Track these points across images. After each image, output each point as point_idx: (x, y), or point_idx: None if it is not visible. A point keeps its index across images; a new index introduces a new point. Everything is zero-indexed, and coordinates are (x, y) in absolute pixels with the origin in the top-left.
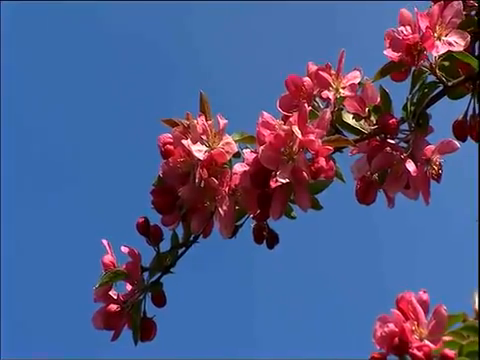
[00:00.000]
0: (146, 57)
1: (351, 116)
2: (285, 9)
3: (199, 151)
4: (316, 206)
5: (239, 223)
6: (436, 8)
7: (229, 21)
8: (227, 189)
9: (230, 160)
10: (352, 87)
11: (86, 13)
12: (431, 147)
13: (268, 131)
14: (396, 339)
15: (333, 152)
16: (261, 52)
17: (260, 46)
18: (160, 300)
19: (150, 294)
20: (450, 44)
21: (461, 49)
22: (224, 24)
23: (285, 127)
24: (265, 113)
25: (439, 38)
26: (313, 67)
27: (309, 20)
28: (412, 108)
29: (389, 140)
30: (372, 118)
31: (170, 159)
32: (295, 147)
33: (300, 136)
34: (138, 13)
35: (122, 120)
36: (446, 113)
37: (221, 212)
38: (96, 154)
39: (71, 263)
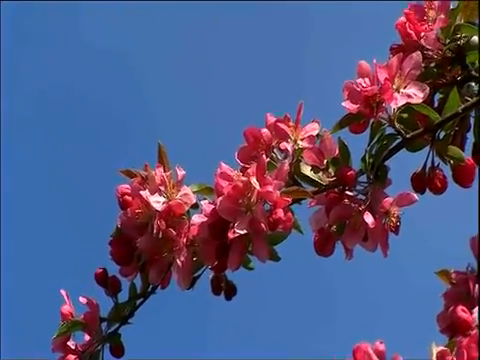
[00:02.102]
0: (102, 109)
1: (309, 168)
2: (243, 60)
3: (157, 202)
4: (274, 257)
5: (197, 274)
6: (395, 60)
7: (187, 72)
8: (185, 240)
9: (188, 211)
10: (310, 139)
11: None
12: (389, 199)
13: (226, 182)
14: None
15: (291, 203)
16: (219, 103)
17: (219, 97)
18: (118, 351)
19: (108, 345)
20: (409, 96)
21: (420, 101)
22: (182, 75)
23: (243, 178)
24: (223, 164)
25: (398, 90)
26: (272, 118)
27: (268, 72)
28: (370, 160)
29: (347, 192)
30: (330, 170)
31: (128, 210)
32: (253, 198)
33: (258, 187)
34: (89, 69)
35: (80, 170)
36: (405, 165)
37: (179, 263)
38: (54, 203)
39: (29, 313)
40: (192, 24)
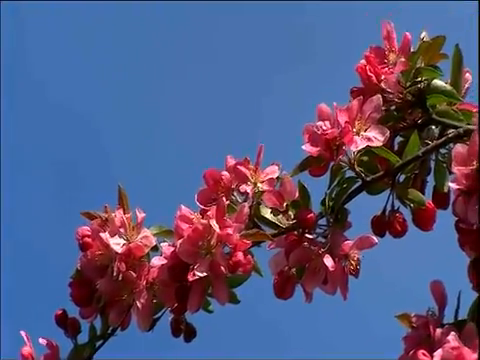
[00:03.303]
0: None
1: (269, 210)
2: (203, 102)
3: (117, 244)
4: (234, 300)
5: (157, 316)
6: (355, 103)
7: (147, 115)
8: (145, 282)
9: (148, 253)
10: (270, 181)
11: None
12: (349, 242)
13: (186, 225)
14: None
15: (251, 246)
16: (179, 145)
17: (178, 140)
18: None
19: None
20: (369, 139)
21: (380, 144)
22: (141, 117)
23: (203, 221)
24: (183, 207)
25: (358, 133)
26: (231, 161)
27: (228, 114)
28: (330, 203)
29: (307, 235)
30: (290, 213)
31: (88, 252)
32: (213, 241)
33: (218, 230)
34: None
35: (40, 211)
36: (366, 208)
37: (139, 305)
38: (13, 243)
39: None
40: (150, 65)
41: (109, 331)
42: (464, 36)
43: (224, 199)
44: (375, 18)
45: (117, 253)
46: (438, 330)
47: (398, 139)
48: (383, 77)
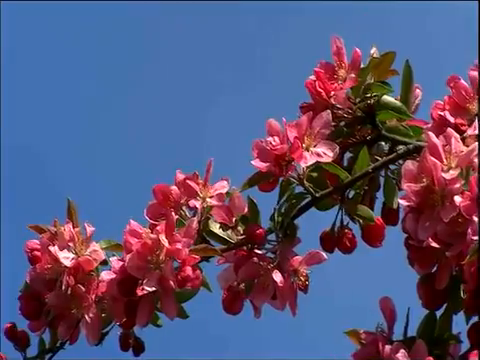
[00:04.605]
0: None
1: (218, 225)
2: (151, 116)
3: (66, 258)
4: (182, 314)
5: (105, 330)
6: (305, 118)
7: (97, 130)
8: (94, 296)
9: (97, 268)
10: (219, 197)
11: None
12: (298, 258)
13: (135, 239)
14: None
15: (200, 261)
16: (128, 160)
17: (127, 154)
18: None
19: None
20: (318, 155)
21: (329, 160)
22: (92, 132)
23: (152, 236)
24: (132, 221)
25: (307, 149)
26: (181, 176)
27: (178, 130)
28: (279, 219)
29: (256, 250)
30: (239, 228)
31: (37, 265)
32: (162, 256)
33: (167, 245)
34: None
35: None
36: (314, 224)
37: (87, 319)
38: None
39: None
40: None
41: (58, 344)
42: (414, 52)
43: (173, 214)
44: (326, 33)
45: (66, 267)
46: (387, 347)
47: (348, 155)
48: (333, 93)
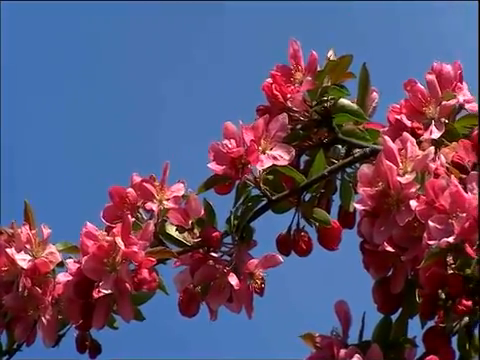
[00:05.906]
0: None
1: (174, 228)
2: (107, 118)
3: (23, 260)
4: (139, 317)
5: (62, 332)
6: (261, 121)
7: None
8: (50, 298)
9: (54, 270)
10: (176, 199)
11: None
12: (254, 261)
13: (91, 242)
14: None
15: (156, 264)
16: (85, 162)
17: (84, 156)
18: None
19: None
20: (275, 158)
21: (285, 163)
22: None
23: (108, 238)
24: (89, 224)
25: (264, 152)
26: (137, 178)
27: (134, 132)
28: (236, 221)
29: (212, 253)
30: (195, 230)
31: None
32: (118, 258)
33: (123, 247)
34: None
35: None
36: (270, 227)
37: (44, 321)
38: None
39: None
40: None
41: (15, 346)
42: (371, 55)
43: (129, 216)
44: (285, 35)
45: (23, 269)
46: (342, 351)
47: (304, 158)
48: (289, 96)
